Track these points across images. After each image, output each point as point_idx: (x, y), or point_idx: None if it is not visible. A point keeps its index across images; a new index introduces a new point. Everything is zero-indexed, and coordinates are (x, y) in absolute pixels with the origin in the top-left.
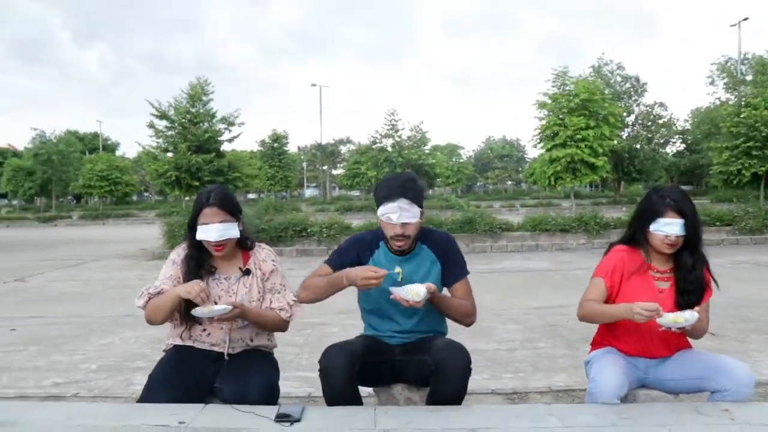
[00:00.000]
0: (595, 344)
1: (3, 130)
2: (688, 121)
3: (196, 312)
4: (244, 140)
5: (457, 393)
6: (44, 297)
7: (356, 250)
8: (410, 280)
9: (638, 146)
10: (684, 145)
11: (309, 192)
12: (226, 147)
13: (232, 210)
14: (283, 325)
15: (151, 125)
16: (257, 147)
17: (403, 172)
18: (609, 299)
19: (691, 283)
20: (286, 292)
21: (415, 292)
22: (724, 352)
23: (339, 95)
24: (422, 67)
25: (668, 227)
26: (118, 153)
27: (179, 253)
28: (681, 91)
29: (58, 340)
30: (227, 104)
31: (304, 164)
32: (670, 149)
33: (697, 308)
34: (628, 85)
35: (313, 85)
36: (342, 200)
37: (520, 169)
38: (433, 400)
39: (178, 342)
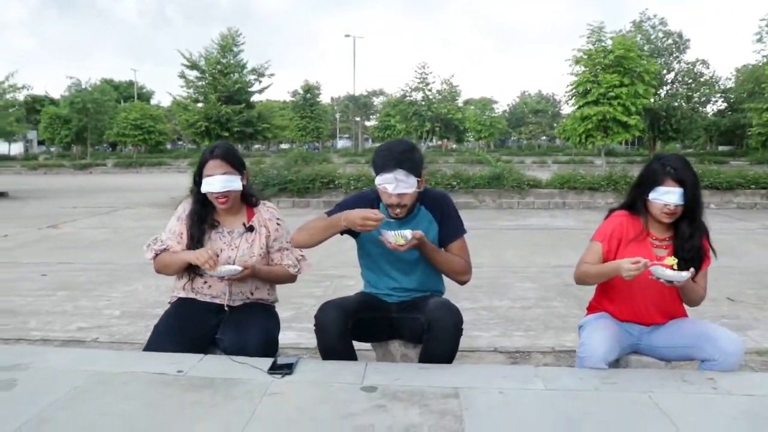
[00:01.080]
0: (591, 309)
1: (41, 79)
2: (731, 79)
3: (208, 270)
4: (277, 90)
5: (448, 352)
6: (75, 244)
7: (358, 206)
8: None
9: (676, 104)
10: (726, 104)
11: (342, 143)
12: (256, 98)
13: (235, 163)
14: (292, 279)
15: (182, 75)
16: (290, 98)
17: (400, 140)
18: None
19: (688, 252)
20: (292, 248)
21: (402, 236)
22: (740, 318)
23: (374, 46)
24: (459, 18)
25: (667, 196)
26: (152, 101)
27: (185, 208)
28: (727, 48)
29: (86, 285)
30: (262, 54)
31: (337, 115)
32: (711, 108)
33: (692, 270)
34: (669, 41)
35: (347, 35)
36: (373, 152)
37: (555, 124)
38: (425, 358)
39: (182, 294)
